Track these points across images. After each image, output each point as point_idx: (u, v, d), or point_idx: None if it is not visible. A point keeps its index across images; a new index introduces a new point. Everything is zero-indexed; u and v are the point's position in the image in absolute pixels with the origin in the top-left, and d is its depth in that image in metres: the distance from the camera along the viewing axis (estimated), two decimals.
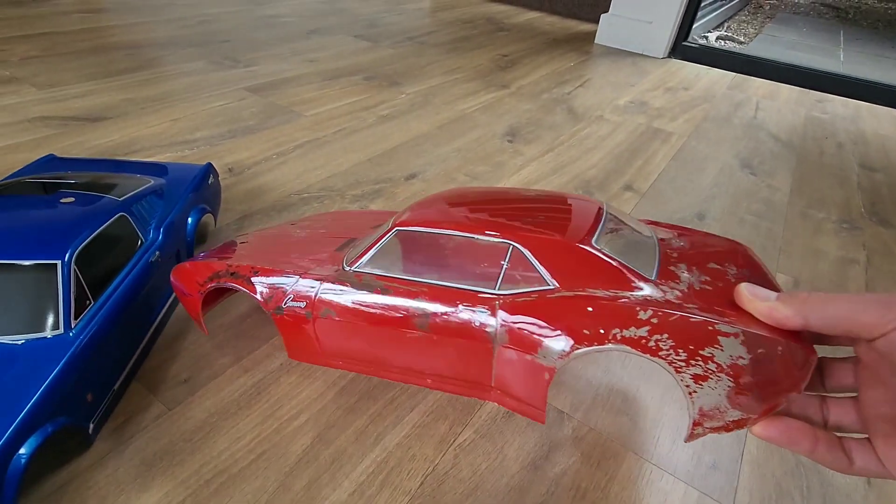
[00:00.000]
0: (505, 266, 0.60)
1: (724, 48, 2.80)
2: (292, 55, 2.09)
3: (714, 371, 0.45)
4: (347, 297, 0.64)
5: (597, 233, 0.60)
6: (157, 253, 0.78)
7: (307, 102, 1.69)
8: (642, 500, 0.65)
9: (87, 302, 0.65)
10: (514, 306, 0.58)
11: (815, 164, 1.63)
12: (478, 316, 0.59)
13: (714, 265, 0.57)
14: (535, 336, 0.56)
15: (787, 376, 0.43)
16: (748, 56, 2.58)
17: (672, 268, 0.57)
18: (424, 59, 2.23)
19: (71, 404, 0.59)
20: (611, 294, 0.53)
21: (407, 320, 0.62)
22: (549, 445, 0.70)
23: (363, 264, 0.66)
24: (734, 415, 0.46)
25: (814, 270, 1.12)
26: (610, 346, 0.50)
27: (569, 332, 0.53)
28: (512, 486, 0.65)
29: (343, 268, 0.67)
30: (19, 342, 0.59)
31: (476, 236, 0.61)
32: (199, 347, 0.79)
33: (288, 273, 0.67)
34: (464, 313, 0.60)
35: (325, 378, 0.76)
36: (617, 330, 0.49)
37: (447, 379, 0.66)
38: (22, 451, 0.52)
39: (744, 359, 0.44)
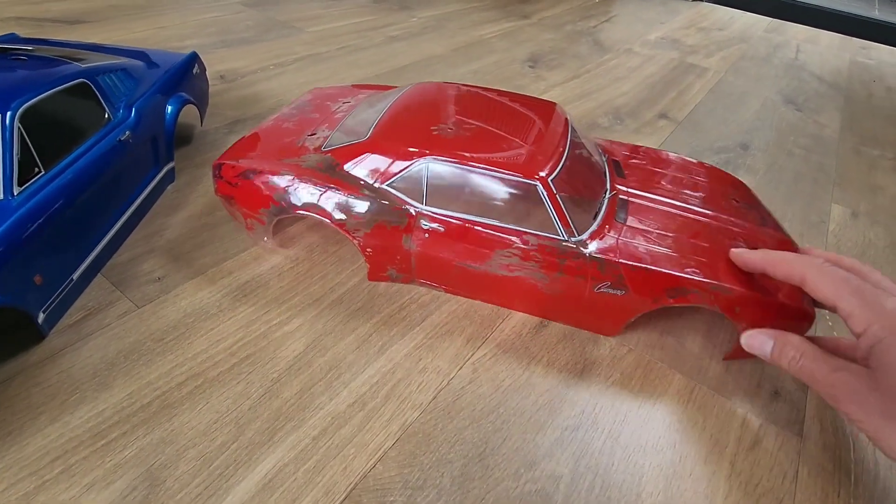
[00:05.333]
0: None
1: None
2: None
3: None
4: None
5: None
6: (128, 132, 0.66)
7: (309, 19, 1.54)
8: (694, 425, 0.55)
9: (37, 170, 0.54)
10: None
11: (864, 105, 1.49)
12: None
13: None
14: None
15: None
16: (786, 0, 2.39)
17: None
18: None
19: (11, 282, 0.48)
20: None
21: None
22: (584, 364, 0.60)
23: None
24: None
25: (872, 204, 1.00)
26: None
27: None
28: (541, 404, 0.55)
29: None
30: None
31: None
32: (180, 245, 0.68)
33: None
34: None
35: (323, 283, 0.66)
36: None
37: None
38: None
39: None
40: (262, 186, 0.62)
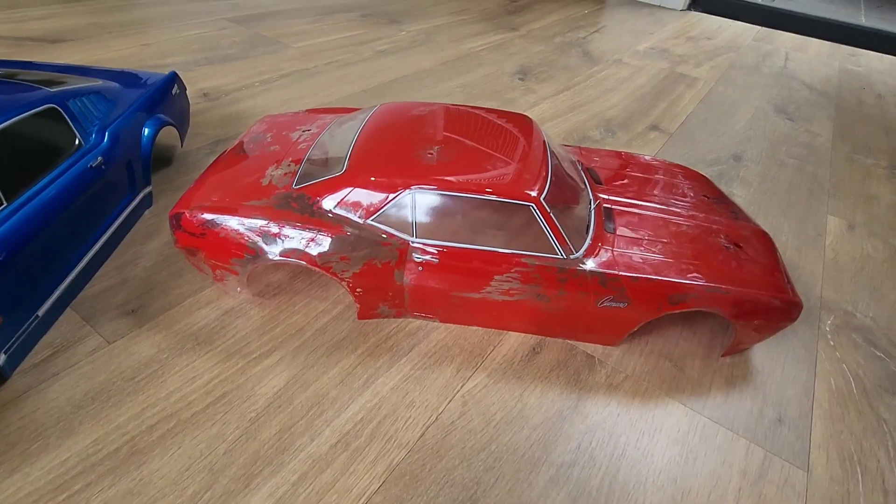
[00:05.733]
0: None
1: (747, 0, 2.61)
2: None
3: None
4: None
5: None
6: (100, 158, 0.64)
7: (296, 35, 1.52)
8: (696, 458, 0.52)
9: None
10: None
11: (855, 113, 1.49)
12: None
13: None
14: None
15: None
16: (773, 8, 2.41)
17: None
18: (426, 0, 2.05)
19: None
20: None
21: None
22: (579, 393, 0.57)
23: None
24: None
25: (868, 214, 0.99)
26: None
27: None
28: (535, 439, 0.52)
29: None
30: None
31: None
32: (156, 274, 0.66)
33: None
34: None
35: (306, 312, 0.63)
36: None
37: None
38: None
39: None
40: (232, 234, 0.57)
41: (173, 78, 0.84)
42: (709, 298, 0.56)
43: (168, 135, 0.93)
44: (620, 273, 0.56)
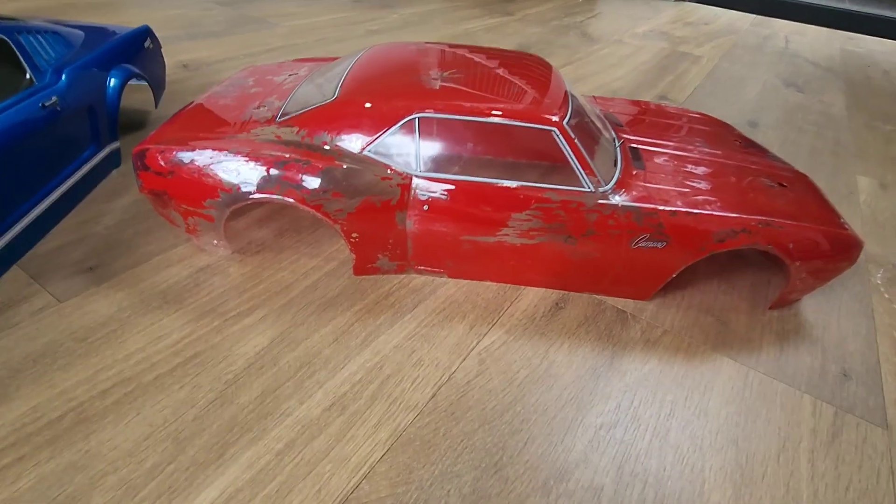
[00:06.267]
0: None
1: None
2: None
3: None
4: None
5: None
6: (55, 98, 0.56)
7: (285, 15, 1.45)
8: (757, 417, 0.44)
9: None
10: None
11: (865, 86, 1.44)
12: None
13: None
14: None
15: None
16: None
17: None
18: None
19: None
20: None
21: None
22: (612, 349, 0.49)
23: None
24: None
25: None
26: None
27: None
28: (566, 399, 0.44)
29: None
30: None
31: None
32: (120, 232, 0.57)
33: None
34: None
35: (294, 269, 0.55)
36: None
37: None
38: None
39: None
40: (206, 171, 0.48)
41: (146, 31, 0.77)
42: (762, 235, 0.49)
43: (143, 99, 0.85)
44: (658, 207, 0.49)
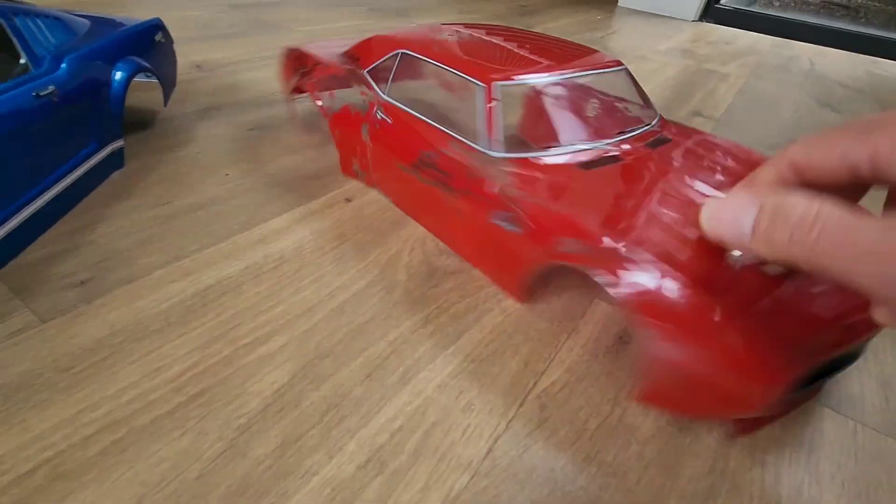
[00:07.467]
0: None
1: (760, 11, 2.58)
2: None
3: None
4: None
5: None
6: (52, 88, 0.49)
7: (300, 21, 1.41)
8: (879, 484, 0.37)
9: None
10: None
11: None
12: None
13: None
14: None
15: None
16: (787, 18, 2.36)
17: None
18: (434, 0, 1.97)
19: None
20: None
21: None
22: None
23: None
24: None
25: None
26: None
27: None
28: (649, 459, 0.36)
29: None
30: None
31: None
32: (117, 242, 0.50)
33: None
34: None
35: (318, 286, 0.47)
36: None
37: None
38: None
39: None
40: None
41: (157, 24, 0.71)
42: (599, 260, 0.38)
43: (151, 99, 0.78)
44: (525, 194, 0.44)
